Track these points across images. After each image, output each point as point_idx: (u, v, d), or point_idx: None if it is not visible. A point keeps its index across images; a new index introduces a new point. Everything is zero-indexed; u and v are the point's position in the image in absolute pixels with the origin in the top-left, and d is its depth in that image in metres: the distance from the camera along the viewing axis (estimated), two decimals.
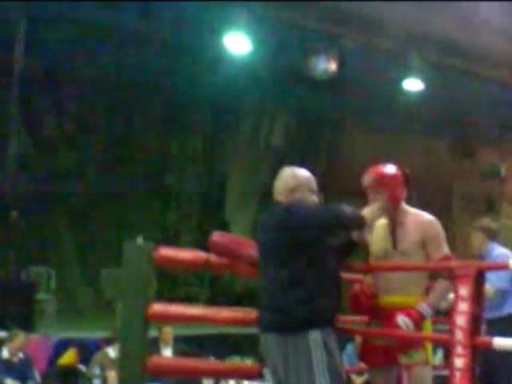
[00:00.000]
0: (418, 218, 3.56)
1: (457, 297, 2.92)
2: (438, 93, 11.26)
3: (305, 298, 3.05)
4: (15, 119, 9.76)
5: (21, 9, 9.38)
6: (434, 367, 3.74)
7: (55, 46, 10.77)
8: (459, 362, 2.84)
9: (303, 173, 3.36)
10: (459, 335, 2.86)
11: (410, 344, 3.40)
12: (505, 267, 3.23)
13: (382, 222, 3.57)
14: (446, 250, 3.49)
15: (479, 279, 2.93)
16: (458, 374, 2.85)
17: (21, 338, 7.17)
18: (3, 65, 9.72)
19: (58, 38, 10.54)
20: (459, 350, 2.85)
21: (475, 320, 2.89)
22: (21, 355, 7.19)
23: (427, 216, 3.57)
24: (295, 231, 3.11)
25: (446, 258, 3.43)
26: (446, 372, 3.45)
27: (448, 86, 11.10)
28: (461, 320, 2.87)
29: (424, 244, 3.48)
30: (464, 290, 2.87)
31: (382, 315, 3.47)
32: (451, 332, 2.91)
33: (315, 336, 3.02)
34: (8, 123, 9.77)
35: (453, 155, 13.42)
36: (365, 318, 3.70)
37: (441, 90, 11.16)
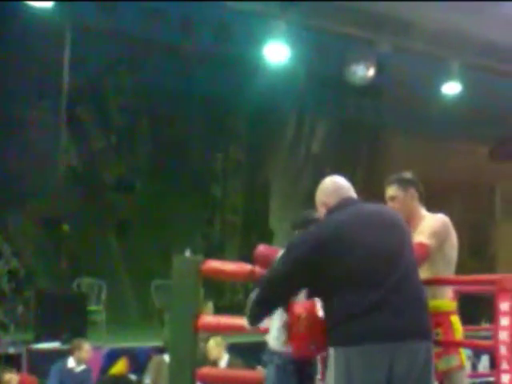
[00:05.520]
0: (429, 218, 3.54)
1: (498, 312, 2.91)
2: (477, 95, 11.19)
3: (426, 306, 3.02)
4: (63, 133, 9.97)
5: (66, 22, 9.57)
6: (480, 375, 3.78)
7: (100, 59, 11.02)
8: (506, 378, 2.84)
9: None
10: (503, 350, 2.86)
11: (446, 350, 3.40)
12: None
13: None
14: (427, 240, 3.38)
15: None
16: None
17: (87, 347, 7.18)
18: (50, 80, 9.93)
19: (102, 51, 10.77)
20: (504, 365, 2.85)
21: None
22: (84, 366, 7.17)
23: (438, 215, 3.54)
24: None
25: (419, 244, 3.32)
26: (490, 379, 3.51)
27: (487, 89, 11.03)
28: (504, 335, 2.87)
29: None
30: (505, 305, 2.86)
31: None
32: (496, 348, 2.90)
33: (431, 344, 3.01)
34: (56, 137, 9.97)
35: (494, 158, 13.30)
36: None
37: (480, 92, 11.10)
